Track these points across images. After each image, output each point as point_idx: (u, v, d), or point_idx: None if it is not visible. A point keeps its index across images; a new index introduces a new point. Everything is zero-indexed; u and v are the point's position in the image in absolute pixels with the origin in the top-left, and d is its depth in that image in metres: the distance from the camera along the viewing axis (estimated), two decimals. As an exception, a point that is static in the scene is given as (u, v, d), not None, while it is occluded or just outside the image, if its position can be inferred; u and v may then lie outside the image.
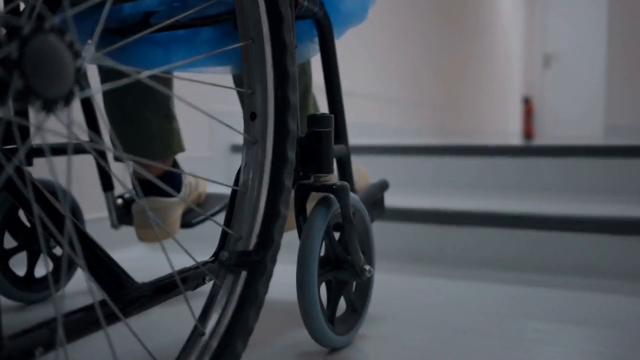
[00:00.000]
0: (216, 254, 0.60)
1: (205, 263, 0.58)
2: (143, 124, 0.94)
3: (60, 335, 0.41)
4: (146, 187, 0.96)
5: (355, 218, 0.79)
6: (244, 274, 0.58)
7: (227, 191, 1.27)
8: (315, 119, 0.69)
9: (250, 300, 0.57)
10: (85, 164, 1.37)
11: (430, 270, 1.26)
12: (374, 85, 3.07)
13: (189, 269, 0.56)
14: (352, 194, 0.77)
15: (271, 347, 0.78)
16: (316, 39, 0.83)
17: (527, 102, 7.44)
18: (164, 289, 0.52)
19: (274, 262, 0.61)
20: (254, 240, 0.58)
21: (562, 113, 7.24)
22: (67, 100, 0.35)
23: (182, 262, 0.64)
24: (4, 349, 0.38)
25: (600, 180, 1.59)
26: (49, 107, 0.34)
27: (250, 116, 0.60)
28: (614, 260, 1.19)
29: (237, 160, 1.87)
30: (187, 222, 1.00)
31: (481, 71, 5.50)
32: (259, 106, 0.58)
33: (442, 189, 1.72)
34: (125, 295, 0.48)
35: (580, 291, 1.08)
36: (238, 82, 0.93)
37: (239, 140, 2.00)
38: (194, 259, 0.57)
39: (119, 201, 1.05)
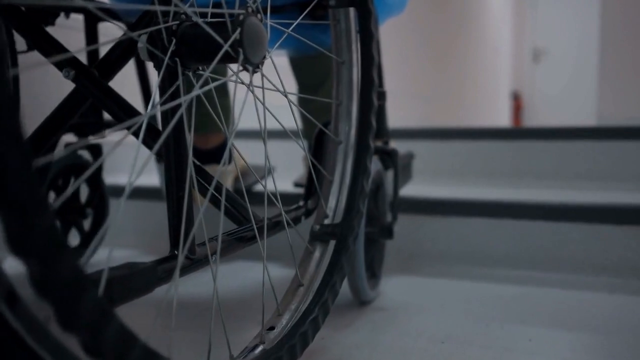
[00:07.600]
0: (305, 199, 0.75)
1: (296, 208, 0.73)
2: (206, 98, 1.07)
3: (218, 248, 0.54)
4: (203, 157, 1.09)
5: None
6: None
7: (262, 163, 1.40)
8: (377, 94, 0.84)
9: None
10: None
11: (405, 267, 1.09)
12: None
13: (291, 210, 0.70)
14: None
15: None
16: None
17: (516, 98, 7.27)
18: (277, 224, 0.66)
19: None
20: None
21: (552, 108, 7.00)
22: (262, 63, 0.48)
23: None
24: (197, 254, 0.51)
25: (595, 164, 1.47)
26: (255, 69, 0.47)
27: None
28: (618, 254, 1.03)
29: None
30: (238, 187, 1.13)
31: (467, 61, 5.18)
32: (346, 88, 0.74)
33: (421, 175, 1.49)
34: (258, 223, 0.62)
35: (580, 290, 0.95)
36: (293, 63, 1.06)
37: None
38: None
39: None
